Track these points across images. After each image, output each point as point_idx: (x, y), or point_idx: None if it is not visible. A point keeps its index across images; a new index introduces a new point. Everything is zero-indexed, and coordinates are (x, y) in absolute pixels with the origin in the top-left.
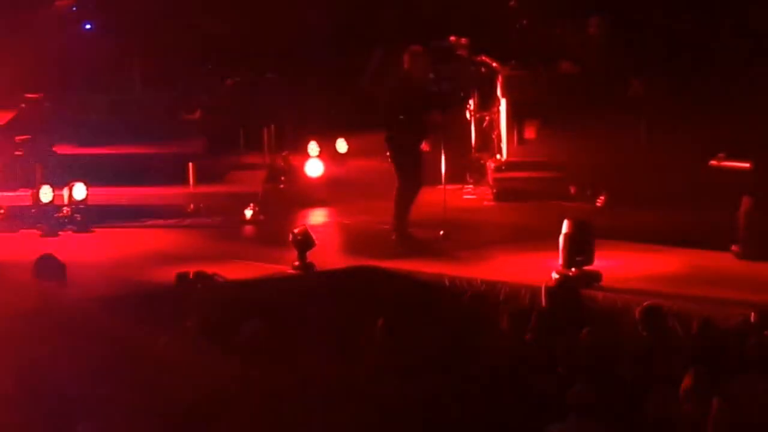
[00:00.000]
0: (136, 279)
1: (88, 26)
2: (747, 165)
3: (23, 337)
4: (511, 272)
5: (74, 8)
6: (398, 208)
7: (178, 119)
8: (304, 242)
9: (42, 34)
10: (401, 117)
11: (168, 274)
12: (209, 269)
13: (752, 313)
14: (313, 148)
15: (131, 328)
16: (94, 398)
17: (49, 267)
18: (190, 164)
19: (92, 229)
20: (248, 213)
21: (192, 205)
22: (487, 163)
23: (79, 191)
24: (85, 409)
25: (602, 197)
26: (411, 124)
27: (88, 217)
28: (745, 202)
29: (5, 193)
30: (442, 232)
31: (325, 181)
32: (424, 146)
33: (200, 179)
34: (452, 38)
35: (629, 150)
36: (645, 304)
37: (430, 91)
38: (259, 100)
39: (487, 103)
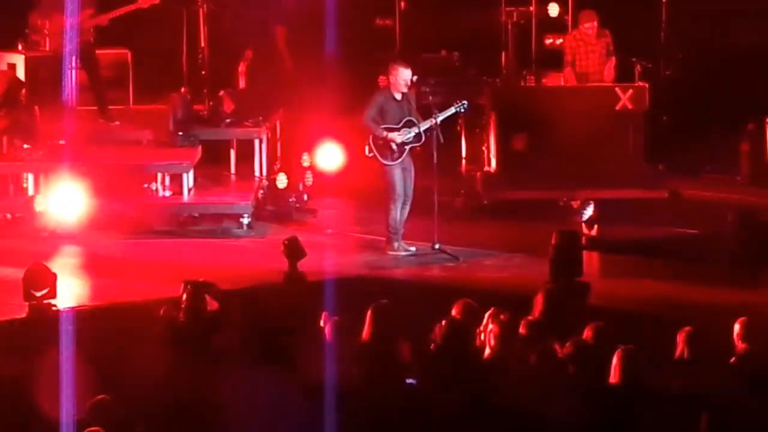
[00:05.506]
0: (126, 289)
1: None
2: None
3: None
4: (500, 283)
5: None
6: (391, 219)
7: None
8: (295, 252)
9: None
10: (390, 127)
11: (156, 285)
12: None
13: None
14: (304, 159)
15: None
16: None
17: (39, 276)
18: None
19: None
20: (242, 222)
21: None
22: (477, 175)
23: (73, 201)
24: None
25: (591, 209)
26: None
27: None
28: (733, 218)
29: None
30: (437, 246)
31: (318, 190)
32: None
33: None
34: (443, 52)
35: (615, 162)
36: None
37: (412, 105)
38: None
39: (477, 115)
